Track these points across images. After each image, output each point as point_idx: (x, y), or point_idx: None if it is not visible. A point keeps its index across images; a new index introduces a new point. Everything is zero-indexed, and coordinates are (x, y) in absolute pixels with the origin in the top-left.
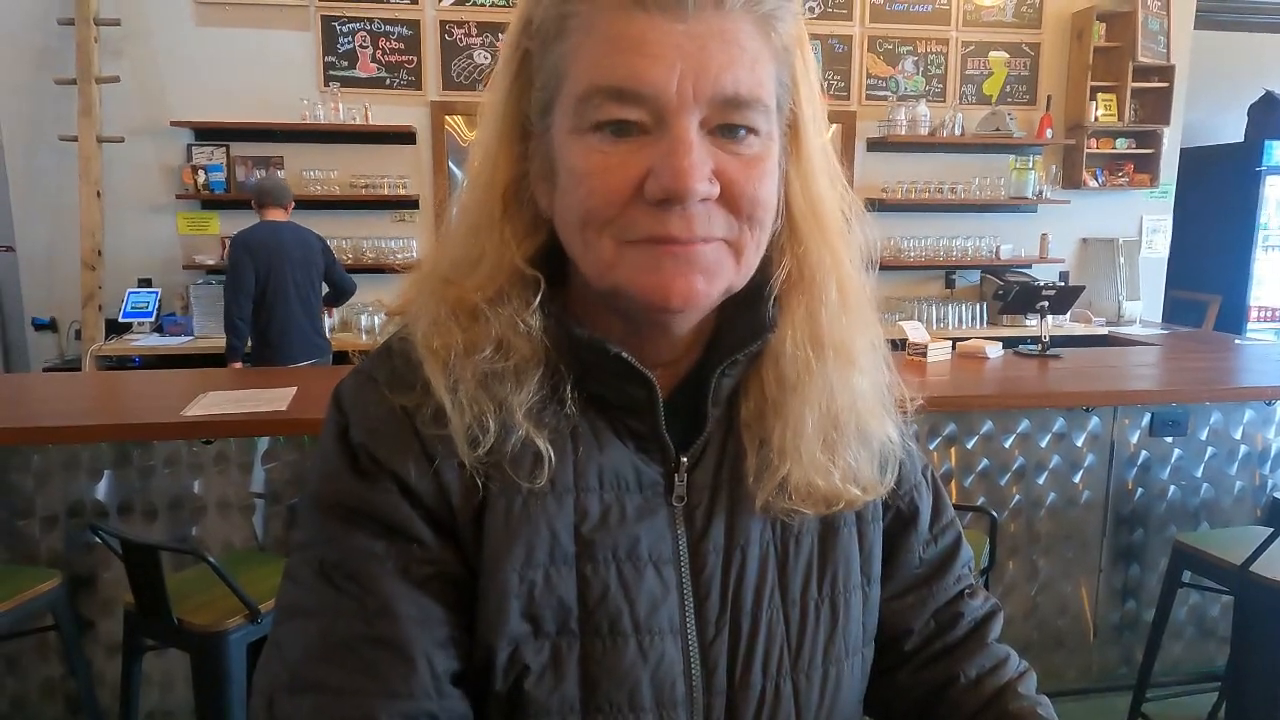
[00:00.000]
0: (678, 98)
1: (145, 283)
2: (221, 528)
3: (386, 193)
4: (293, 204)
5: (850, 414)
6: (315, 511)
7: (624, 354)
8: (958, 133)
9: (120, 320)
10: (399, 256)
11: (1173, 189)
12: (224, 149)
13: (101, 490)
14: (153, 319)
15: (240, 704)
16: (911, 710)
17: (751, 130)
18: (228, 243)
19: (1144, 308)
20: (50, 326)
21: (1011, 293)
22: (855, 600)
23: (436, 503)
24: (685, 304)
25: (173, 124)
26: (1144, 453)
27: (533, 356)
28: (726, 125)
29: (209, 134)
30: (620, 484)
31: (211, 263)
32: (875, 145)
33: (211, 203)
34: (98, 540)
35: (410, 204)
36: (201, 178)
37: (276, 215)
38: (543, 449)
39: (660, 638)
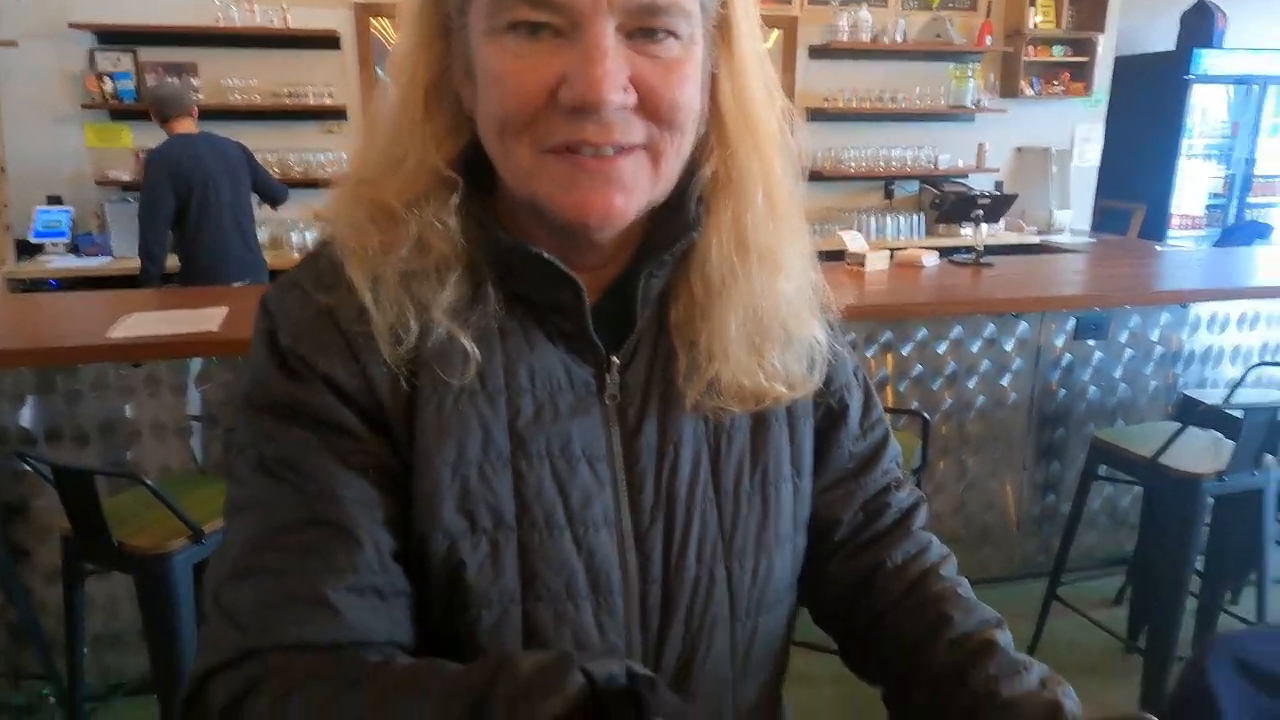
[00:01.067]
0: (591, 2)
1: (55, 200)
2: (157, 451)
3: (312, 102)
4: (196, 109)
5: (775, 318)
6: (250, 412)
7: (546, 255)
8: (899, 39)
9: (31, 241)
10: (329, 170)
11: (1105, 98)
12: (131, 54)
13: (26, 417)
14: (67, 239)
15: (189, 624)
16: (841, 596)
17: (671, 33)
18: (143, 157)
19: (1074, 216)
20: None
21: (947, 202)
22: (786, 491)
23: (366, 400)
24: (603, 222)
25: (72, 26)
26: (1067, 356)
27: (452, 256)
28: (644, 29)
29: (113, 38)
30: (552, 384)
31: (126, 179)
32: (817, 53)
33: (122, 113)
34: (27, 468)
35: (338, 114)
36: (108, 86)
37: (185, 126)
38: (468, 347)
39: (595, 530)
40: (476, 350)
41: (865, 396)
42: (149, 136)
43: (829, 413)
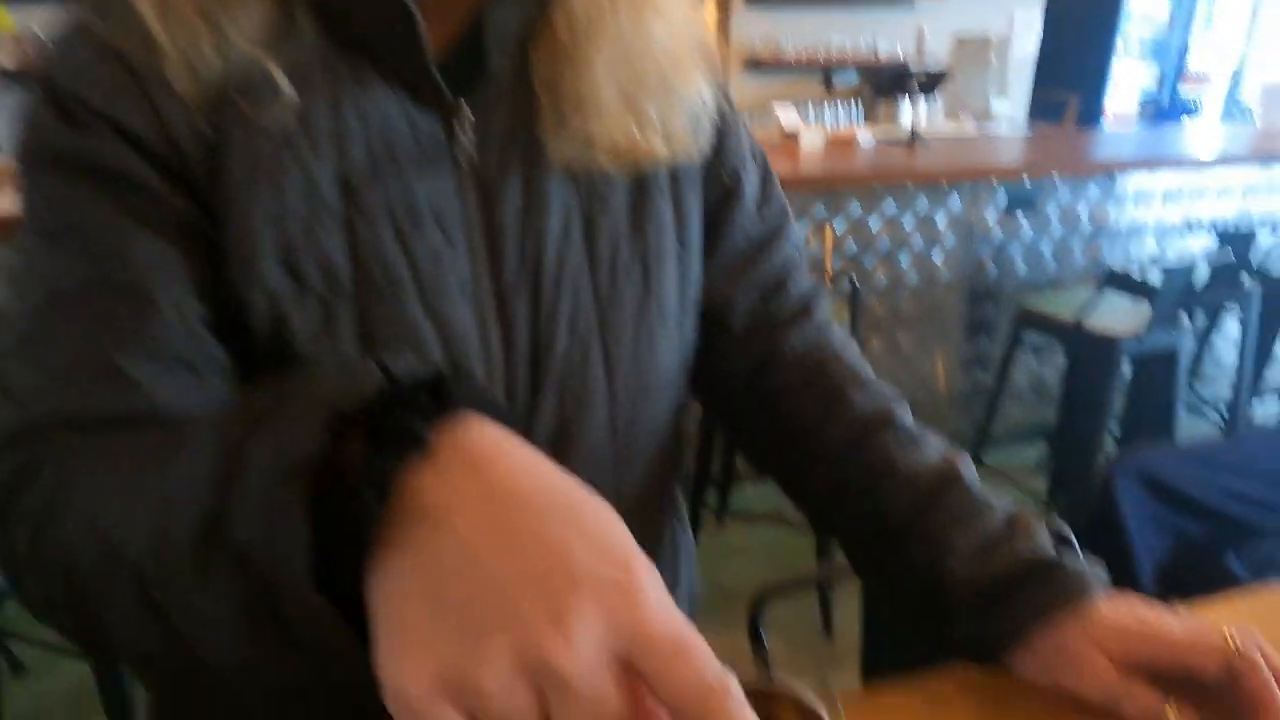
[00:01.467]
0: None
1: None
2: None
3: None
4: None
5: (649, 62)
6: (27, 170)
7: (402, 72)
8: None
9: None
10: None
11: None
12: None
13: None
14: None
15: None
16: (737, 388)
17: None
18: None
19: (1011, 106)
20: None
21: (884, 75)
22: (669, 266)
23: (162, 147)
24: None
25: None
26: (998, 232)
27: None
28: None
29: None
30: (390, 131)
31: (11, 66)
32: None
33: None
34: None
35: None
36: None
37: None
38: (279, 80)
39: (448, 299)
40: (289, 86)
41: (764, 180)
42: (32, 18)
43: (721, 188)
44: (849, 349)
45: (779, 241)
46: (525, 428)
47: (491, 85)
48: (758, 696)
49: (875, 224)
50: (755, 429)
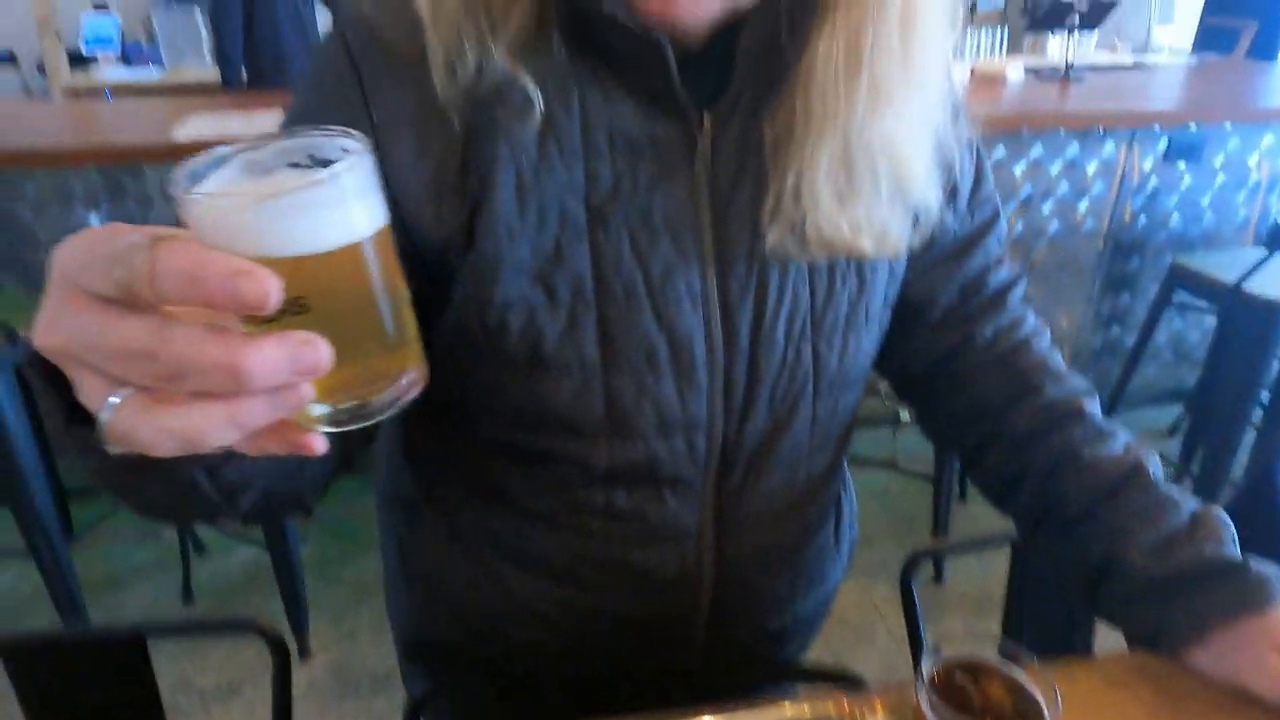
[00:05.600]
0: None
1: (101, 7)
2: None
3: None
4: None
5: (869, 162)
6: (297, 92)
7: (620, 18)
8: None
9: (83, 53)
10: None
11: None
12: None
13: (103, 220)
14: (118, 50)
15: None
16: (926, 371)
17: None
18: None
19: (1175, 33)
20: (10, 60)
21: (1041, 7)
22: (881, 271)
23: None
24: (668, 18)
25: None
26: (1154, 179)
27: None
28: None
29: None
30: (633, 149)
31: None
32: None
33: None
34: None
35: None
36: None
37: None
38: (531, 92)
39: (677, 305)
40: (540, 97)
41: (977, 172)
42: None
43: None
44: (1040, 338)
45: (986, 238)
46: (739, 424)
47: (731, 99)
48: (971, 670)
49: (1019, 168)
50: (939, 408)
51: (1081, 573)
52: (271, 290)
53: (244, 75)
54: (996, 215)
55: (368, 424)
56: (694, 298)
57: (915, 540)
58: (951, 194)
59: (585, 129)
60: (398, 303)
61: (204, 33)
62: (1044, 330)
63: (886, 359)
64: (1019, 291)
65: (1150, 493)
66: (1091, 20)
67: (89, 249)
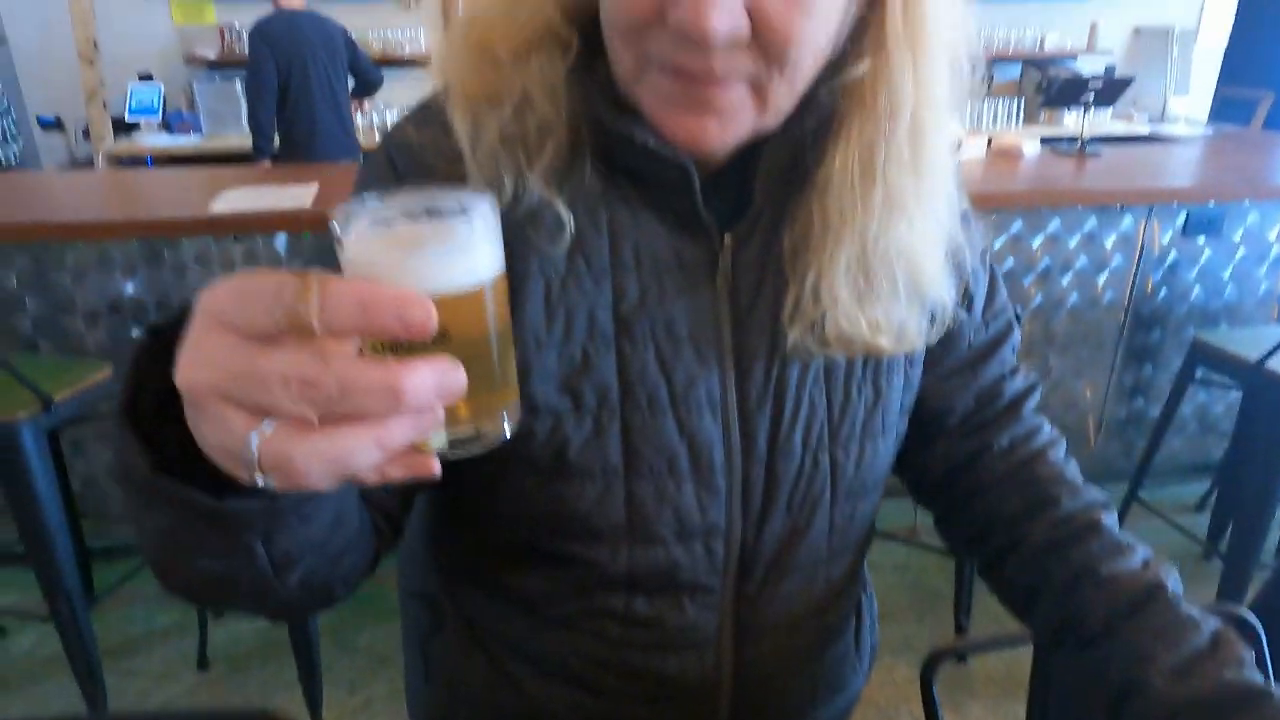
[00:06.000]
0: None
1: (146, 78)
2: None
3: None
4: None
5: (886, 267)
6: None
7: (652, 145)
8: None
9: (126, 119)
10: (407, 49)
11: None
12: None
13: (139, 288)
14: (159, 118)
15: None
16: (943, 478)
17: None
18: (227, 34)
19: (1191, 104)
20: (57, 125)
21: (1055, 84)
22: (897, 380)
23: None
24: (695, 148)
25: None
26: (1173, 253)
27: (555, 121)
28: None
29: None
30: (659, 264)
31: (212, 56)
32: None
33: None
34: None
35: None
36: None
37: (292, 1)
38: (563, 215)
39: (698, 412)
40: (571, 219)
41: (991, 284)
42: (233, 12)
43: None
44: (1056, 448)
45: (1001, 347)
46: (758, 530)
47: (752, 219)
48: None
49: (1036, 241)
50: (957, 516)
51: (1102, 691)
52: (433, 317)
53: (275, 145)
54: (1010, 326)
55: (476, 454)
56: (713, 405)
57: (938, 618)
58: (968, 303)
59: (614, 247)
60: (508, 343)
61: (243, 102)
62: (1060, 440)
63: (904, 464)
64: (1033, 401)
65: (1170, 612)
66: (1106, 97)
67: (240, 290)
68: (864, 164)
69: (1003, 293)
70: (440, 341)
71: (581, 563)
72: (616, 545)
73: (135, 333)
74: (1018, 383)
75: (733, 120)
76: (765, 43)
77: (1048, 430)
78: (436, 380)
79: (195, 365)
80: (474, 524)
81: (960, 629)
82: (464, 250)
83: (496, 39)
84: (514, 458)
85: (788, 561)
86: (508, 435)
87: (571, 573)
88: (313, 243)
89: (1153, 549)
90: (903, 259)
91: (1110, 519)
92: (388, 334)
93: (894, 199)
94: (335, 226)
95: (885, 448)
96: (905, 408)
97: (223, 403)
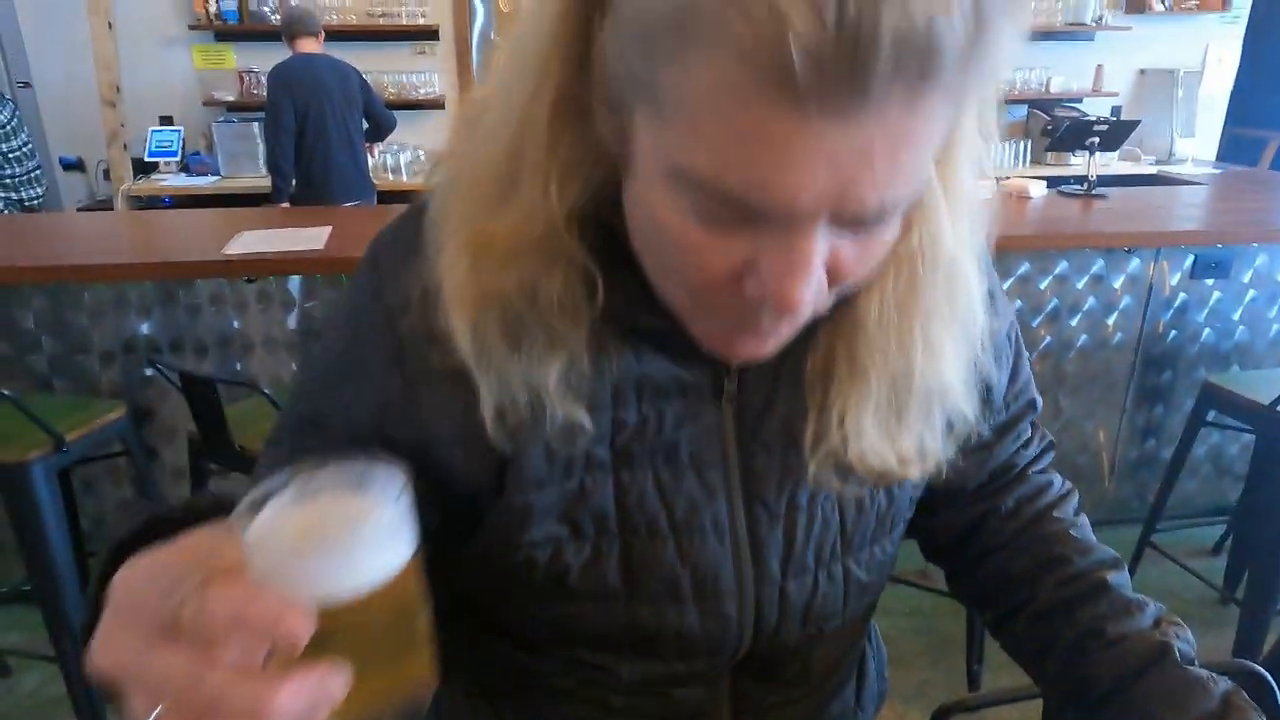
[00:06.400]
0: (811, 208)
1: (166, 120)
2: (269, 363)
3: (405, 23)
4: (323, 33)
5: (918, 400)
6: (338, 328)
7: (687, 350)
8: None
9: (146, 160)
10: (421, 91)
11: (1245, 12)
12: None
13: (153, 327)
14: (178, 158)
15: None
16: (950, 542)
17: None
18: (246, 78)
19: (1198, 145)
20: (78, 166)
21: (1060, 127)
22: (909, 482)
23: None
24: (748, 361)
25: None
26: (1182, 295)
27: (574, 332)
28: (857, 221)
29: None
30: (659, 393)
31: (230, 99)
32: None
33: (226, 34)
34: (154, 374)
35: (430, 35)
36: (213, 7)
37: (309, 46)
38: (582, 421)
39: (702, 537)
40: (588, 420)
41: (1015, 360)
42: (252, 58)
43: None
44: (1066, 503)
45: (1019, 424)
46: (769, 643)
47: None
48: None
49: (1044, 283)
50: (965, 576)
51: None
52: (302, 635)
53: (293, 186)
54: (1032, 404)
55: None
56: (720, 532)
57: (951, 664)
58: (986, 395)
59: (615, 386)
60: (418, 618)
61: (259, 142)
62: (1070, 494)
63: (910, 530)
64: (1044, 461)
65: (1180, 674)
66: (1112, 141)
67: (148, 580)
68: (902, 313)
69: (1026, 369)
70: (337, 633)
71: (588, 665)
72: (620, 655)
73: (149, 372)
74: (1031, 451)
75: (788, 332)
76: (834, 280)
77: (1056, 485)
78: (310, 693)
79: (103, 651)
80: (477, 623)
81: (973, 675)
82: (370, 548)
83: (496, 235)
84: (515, 583)
85: (795, 658)
86: (416, 704)
87: (575, 674)
88: (325, 284)
89: (1168, 595)
90: (938, 394)
91: (1119, 578)
92: (262, 646)
93: (933, 345)
94: (240, 513)
95: (894, 542)
96: (915, 500)
97: (128, 683)
